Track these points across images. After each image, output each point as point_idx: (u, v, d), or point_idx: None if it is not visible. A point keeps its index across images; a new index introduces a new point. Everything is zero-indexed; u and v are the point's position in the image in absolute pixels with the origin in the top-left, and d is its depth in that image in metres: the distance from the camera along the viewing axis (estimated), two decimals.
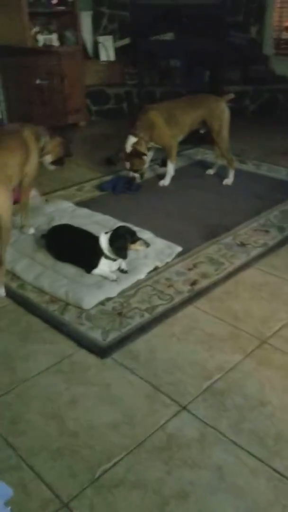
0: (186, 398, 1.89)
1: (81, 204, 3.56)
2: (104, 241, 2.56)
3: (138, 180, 3.81)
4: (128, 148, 3.66)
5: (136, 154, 3.68)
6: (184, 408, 1.85)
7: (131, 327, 2.27)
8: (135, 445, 1.70)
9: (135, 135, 3.67)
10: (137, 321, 2.31)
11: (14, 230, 3.11)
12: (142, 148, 3.72)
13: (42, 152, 2.99)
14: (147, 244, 2.64)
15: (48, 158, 3.10)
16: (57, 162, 3.17)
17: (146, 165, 3.94)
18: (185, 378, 1.99)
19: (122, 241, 2.55)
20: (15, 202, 3.51)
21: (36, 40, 4.83)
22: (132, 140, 3.66)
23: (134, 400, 1.89)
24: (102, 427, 1.77)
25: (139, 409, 1.85)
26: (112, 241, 2.54)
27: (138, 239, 2.63)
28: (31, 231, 3.10)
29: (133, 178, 3.79)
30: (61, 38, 5.01)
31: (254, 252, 2.90)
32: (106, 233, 2.60)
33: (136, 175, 3.77)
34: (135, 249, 2.64)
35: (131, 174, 3.78)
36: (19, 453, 1.66)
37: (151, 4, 5.90)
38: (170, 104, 3.84)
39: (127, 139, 3.67)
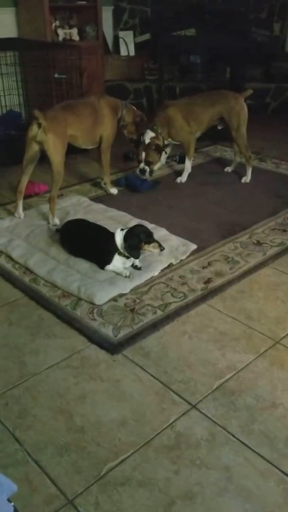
0: (196, 397, 1.86)
1: (96, 199, 3.55)
2: (119, 238, 2.54)
3: (147, 176, 3.75)
4: (147, 140, 3.65)
5: (154, 146, 3.67)
6: (194, 406, 1.82)
7: (143, 324, 2.24)
8: (143, 443, 1.68)
9: (153, 130, 3.67)
10: (149, 318, 2.29)
11: (34, 222, 3.13)
12: (160, 143, 3.70)
13: (122, 123, 3.55)
14: (161, 248, 2.61)
15: (127, 133, 3.67)
16: (132, 140, 3.72)
17: (158, 166, 3.91)
18: (196, 377, 1.96)
19: (135, 240, 2.52)
20: (34, 194, 3.55)
21: (57, 34, 4.82)
22: (150, 134, 3.65)
23: (143, 397, 1.86)
24: (110, 423, 1.75)
25: (148, 406, 1.82)
26: (126, 239, 2.52)
27: (153, 241, 2.60)
28: (115, 191, 3.67)
29: (143, 171, 3.72)
30: (81, 33, 4.99)
31: (271, 252, 2.85)
32: (123, 229, 2.58)
33: (147, 168, 3.73)
34: (148, 251, 2.61)
35: (142, 165, 3.71)
36: (26, 448, 1.65)
37: (173, 0, 5.85)
38: (189, 100, 3.82)
39: (145, 133, 3.66)
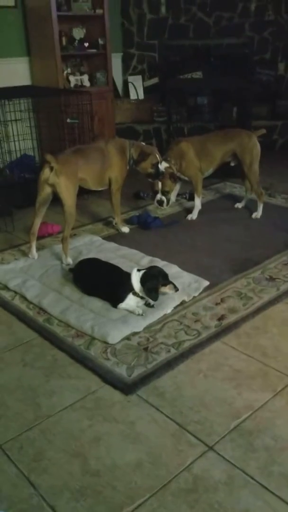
0: (213, 438, 1.83)
1: (108, 238, 3.59)
2: (135, 279, 2.55)
3: (165, 206, 3.88)
4: (162, 169, 3.73)
5: (170, 175, 3.77)
6: (211, 448, 1.79)
7: (157, 363, 2.23)
8: (160, 487, 1.64)
9: (167, 161, 3.78)
10: (163, 356, 2.27)
11: (48, 262, 3.17)
12: (174, 172, 3.81)
13: (134, 162, 3.55)
14: (176, 289, 2.62)
15: (140, 170, 3.62)
16: (150, 175, 3.66)
17: (173, 198, 3.98)
18: (212, 417, 1.93)
19: (154, 282, 2.53)
20: (47, 235, 3.61)
21: (68, 81, 5.00)
22: (164, 164, 3.75)
23: (159, 439, 1.83)
24: (126, 466, 1.72)
25: (164, 448, 1.79)
26: (144, 281, 2.53)
27: (169, 282, 2.61)
28: (126, 229, 3.70)
29: (161, 202, 3.84)
30: (92, 79, 5.17)
31: (284, 287, 2.84)
32: (139, 270, 2.59)
33: (164, 198, 3.83)
34: (163, 292, 2.61)
35: (159, 196, 3.83)
36: (41, 492, 1.62)
37: (179, 45, 6.06)
38: (202, 137, 3.96)
39: (160, 164, 3.74)
